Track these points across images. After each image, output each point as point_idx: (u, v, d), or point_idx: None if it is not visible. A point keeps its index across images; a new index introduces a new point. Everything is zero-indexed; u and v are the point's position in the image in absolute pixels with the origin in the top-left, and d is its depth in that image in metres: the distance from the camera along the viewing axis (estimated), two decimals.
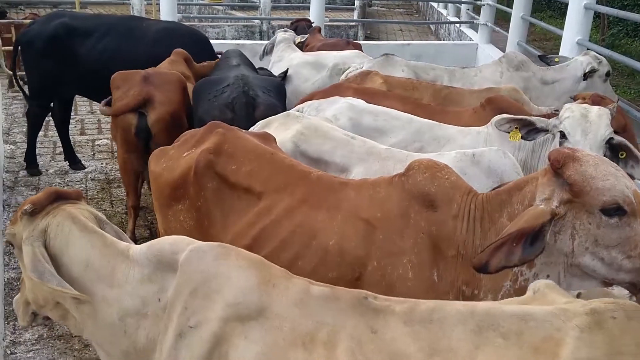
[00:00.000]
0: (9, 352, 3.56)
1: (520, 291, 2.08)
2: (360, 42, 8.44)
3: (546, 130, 3.28)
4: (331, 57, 5.84)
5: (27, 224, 2.04)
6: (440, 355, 1.44)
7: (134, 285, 1.88)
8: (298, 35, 6.80)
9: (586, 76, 5.07)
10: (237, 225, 2.60)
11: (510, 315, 1.45)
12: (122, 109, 4.29)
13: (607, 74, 5.15)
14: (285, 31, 6.76)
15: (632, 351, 1.31)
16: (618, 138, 3.23)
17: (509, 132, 3.25)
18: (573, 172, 1.95)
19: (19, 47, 5.70)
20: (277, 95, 4.37)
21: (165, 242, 1.93)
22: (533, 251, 1.93)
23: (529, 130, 3.27)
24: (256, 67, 5.35)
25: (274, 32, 6.89)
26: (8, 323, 3.79)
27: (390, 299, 1.65)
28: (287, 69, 5.59)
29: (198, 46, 5.53)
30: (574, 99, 4.28)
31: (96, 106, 7.33)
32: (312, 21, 8.09)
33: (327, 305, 1.63)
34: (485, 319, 1.46)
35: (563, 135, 3.23)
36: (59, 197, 2.12)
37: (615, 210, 1.89)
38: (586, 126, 3.18)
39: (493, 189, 2.33)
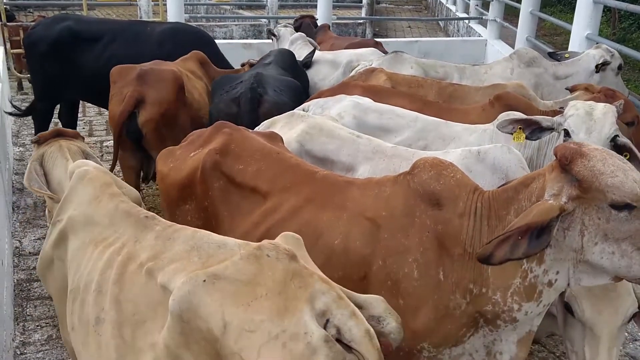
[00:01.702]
0: (18, 352, 3.59)
1: (530, 288, 2.07)
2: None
3: (551, 129, 3.25)
4: (346, 55, 5.86)
5: (34, 150, 3.09)
6: (156, 260, 1.93)
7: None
8: (302, 31, 6.83)
9: (598, 68, 5.01)
10: (243, 224, 2.60)
11: (213, 242, 1.91)
12: (118, 118, 4.27)
13: (619, 67, 5.11)
14: (285, 26, 6.77)
15: (267, 284, 1.67)
16: (623, 139, 3.18)
17: (512, 134, 3.21)
18: (582, 168, 1.92)
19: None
20: (290, 95, 4.36)
21: (75, 164, 2.57)
22: (539, 245, 1.91)
23: (533, 129, 3.23)
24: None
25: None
26: (18, 324, 3.82)
27: (167, 223, 2.12)
28: (312, 52, 5.76)
29: (203, 46, 5.52)
30: (571, 90, 4.24)
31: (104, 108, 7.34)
32: (316, 18, 8.09)
33: (123, 219, 2.18)
34: (197, 242, 1.92)
35: (567, 133, 3.19)
36: (59, 134, 3.12)
37: (625, 205, 1.87)
38: (590, 124, 3.13)
39: (500, 187, 2.30)
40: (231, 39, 11.47)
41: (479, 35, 10.87)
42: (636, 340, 3.90)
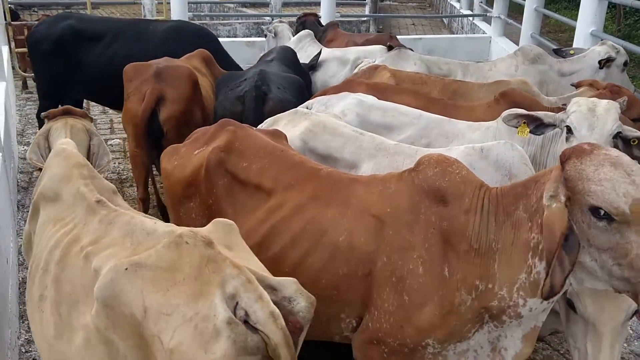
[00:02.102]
0: (24, 350, 3.60)
1: (534, 284, 2.07)
2: None
3: (554, 125, 3.24)
4: (354, 52, 5.86)
5: (44, 124, 3.27)
6: (95, 244, 2.07)
7: None
8: (308, 29, 6.82)
9: (603, 64, 5.00)
10: (248, 222, 2.61)
11: (144, 229, 2.03)
12: (142, 116, 4.25)
13: (625, 64, 5.10)
14: (281, 21, 6.76)
15: (185, 270, 1.80)
16: (630, 131, 3.17)
17: (517, 127, 3.21)
18: (571, 167, 1.94)
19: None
20: (293, 92, 4.37)
21: (59, 141, 2.75)
22: (573, 246, 1.92)
23: (537, 125, 3.23)
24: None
25: (298, 30, 6.93)
26: (23, 322, 3.83)
27: (112, 208, 2.22)
28: (318, 54, 5.73)
29: (206, 44, 5.52)
30: (577, 86, 4.22)
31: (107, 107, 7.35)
32: (319, 16, 8.08)
33: (80, 201, 2.29)
34: (131, 228, 2.05)
35: (569, 130, 3.18)
36: (68, 112, 3.28)
37: (603, 214, 1.85)
38: (593, 120, 3.12)
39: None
40: (235, 37, 11.47)
41: (483, 33, 10.85)
42: None
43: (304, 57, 5.93)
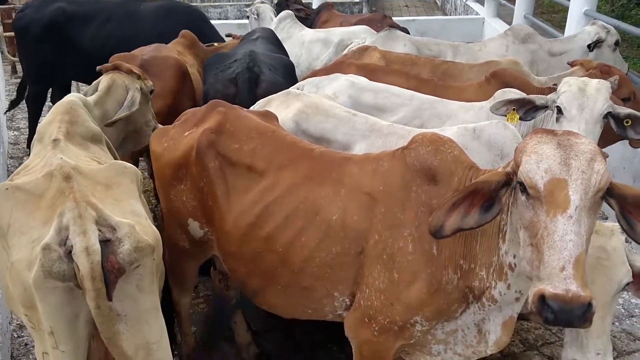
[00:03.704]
0: (15, 335, 3.60)
1: (501, 267, 2.09)
2: None
3: (546, 107, 3.23)
4: (338, 33, 5.80)
5: (96, 80, 3.39)
6: (25, 169, 2.42)
7: None
8: (292, 9, 6.73)
9: (591, 47, 4.99)
10: (240, 203, 2.60)
11: (53, 162, 2.25)
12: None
13: (617, 43, 5.07)
14: (263, 2, 6.69)
15: (47, 198, 2.13)
16: (622, 109, 3.17)
17: (505, 115, 3.20)
18: (521, 144, 1.90)
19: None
20: (284, 73, 4.31)
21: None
22: (490, 214, 1.92)
23: (527, 110, 3.22)
24: None
25: (279, 11, 6.84)
26: None
27: (62, 148, 2.43)
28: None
29: (196, 23, 5.47)
30: (571, 65, 4.22)
31: None
32: None
33: (48, 140, 2.50)
34: (50, 161, 2.27)
35: (560, 110, 3.17)
36: (116, 67, 3.43)
37: (523, 187, 1.82)
38: (583, 100, 3.11)
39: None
40: (226, 19, 11.36)
41: (477, 14, 10.78)
42: (632, 316, 3.92)
43: (284, 39, 5.81)
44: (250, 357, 3.42)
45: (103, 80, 3.37)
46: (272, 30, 5.38)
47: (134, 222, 2.11)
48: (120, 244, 2.02)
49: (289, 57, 5.13)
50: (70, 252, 1.95)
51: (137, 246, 2.04)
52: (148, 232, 2.16)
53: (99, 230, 2.01)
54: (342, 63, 4.37)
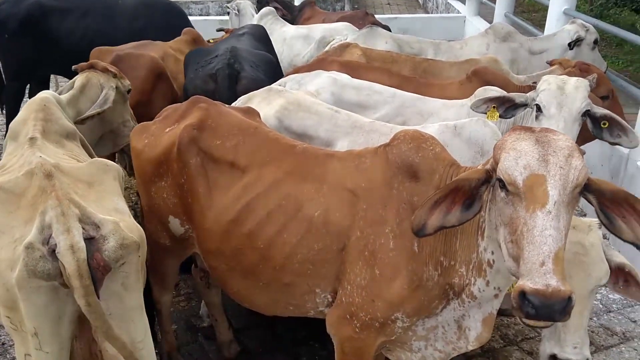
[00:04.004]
0: None
1: (479, 264, 2.10)
2: None
3: (525, 105, 3.26)
4: (319, 30, 5.80)
5: (75, 76, 3.42)
6: (1, 169, 2.37)
7: None
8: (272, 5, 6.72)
9: (572, 45, 5.04)
10: (222, 200, 2.58)
11: (32, 160, 2.23)
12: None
13: (595, 42, 5.14)
14: None
15: (28, 197, 2.08)
16: (598, 109, 3.21)
17: (486, 113, 3.22)
18: (501, 140, 1.91)
19: None
20: (266, 70, 4.27)
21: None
22: (470, 213, 1.94)
23: (507, 108, 3.25)
24: None
25: (260, 7, 6.81)
26: None
27: (40, 146, 2.41)
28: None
29: (175, 19, 5.42)
30: (550, 64, 4.26)
31: None
32: None
33: (24, 138, 2.49)
34: (26, 159, 2.28)
35: (539, 109, 3.20)
36: (92, 66, 3.43)
37: (502, 184, 1.83)
38: (562, 99, 3.15)
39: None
40: (207, 15, 11.29)
41: (458, 12, 10.85)
42: (610, 311, 3.98)
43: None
44: (232, 355, 3.41)
45: (78, 79, 3.35)
46: (261, 27, 5.34)
47: (118, 219, 2.09)
48: (105, 241, 2.00)
49: (276, 54, 5.13)
50: (54, 250, 1.93)
51: (123, 243, 2.03)
52: (133, 229, 2.14)
53: (83, 228, 1.98)
54: (324, 60, 4.36)
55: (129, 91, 3.61)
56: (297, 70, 4.35)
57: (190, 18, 6.24)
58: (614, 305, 4.04)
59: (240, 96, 3.59)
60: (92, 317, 1.96)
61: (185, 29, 5.11)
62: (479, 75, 3.88)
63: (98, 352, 2.15)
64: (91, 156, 2.84)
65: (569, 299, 1.64)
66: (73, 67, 3.44)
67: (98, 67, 3.42)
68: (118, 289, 2.06)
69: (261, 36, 5.00)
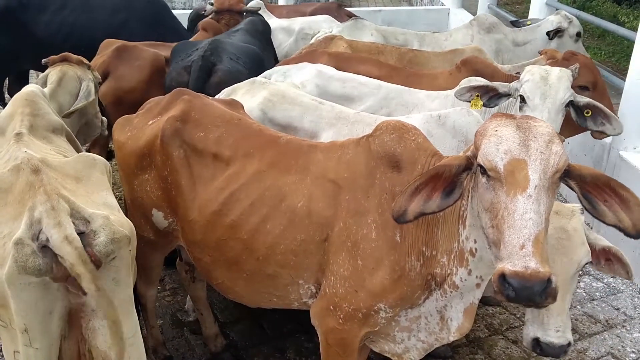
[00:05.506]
0: None
1: (462, 253, 2.11)
2: None
3: (508, 95, 3.27)
4: (299, 22, 5.78)
5: (47, 70, 3.38)
6: None
7: None
8: None
9: (552, 35, 5.06)
10: (205, 191, 2.58)
11: (18, 155, 2.21)
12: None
13: (578, 34, 5.15)
14: None
15: (15, 192, 2.04)
16: (581, 98, 3.23)
17: (469, 102, 3.23)
18: (482, 127, 1.92)
19: None
20: (247, 63, 4.22)
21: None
22: (450, 200, 1.95)
23: (491, 97, 3.26)
24: None
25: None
26: None
27: (27, 142, 2.38)
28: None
29: (157, 12, 5.38)
30: (541, 53, 4.28)
31: None
32: None
33: (10, 134, 2.44)
34: (16, 155, 2.23)
35: (523, 99, 3.21)
36: (65, 59, 3.38)
37: (483, 170, 1.84)
38: (545, 89, 3.16)
39: None
40: (190, 8, 11.19)
41: (442, 4, 10.86)
42: (593, 299, 4.02)
43: None
44: (218, 349, 3.40)
45: (52, 73, 3.28)
46: (259, 22, 5.26)
47: (108, 213, 2.06)
48: (95, 236, 1.98)
49: (274, 48, 5.09)
50: (44, 246, 1.90)
51: (114, 237, 2.00)
52: (123, 223, 2.11)
53: (73, 223, 1.95)
54: (314, 52, 4.35)
55: (100, 83, 3.62)
56: (287, 62, 4.33)
57: (174, 11, 6.18)
58: (597, 294, 4.08)
59: (215, 88, 3.56)
60: (100, 303, 1.95)
61: (202, 22, 5.06)
62: (469, 65, 3.88)
63: (87, 352, 2.10)
64: (78, 151, 2.80)
65: (549, 280, 1.64)
66: (43, 60, 3.37)
67: (72, 60, 3.36)
68: (109, 284, 2.02)
69: (256, 31, 4.94)
